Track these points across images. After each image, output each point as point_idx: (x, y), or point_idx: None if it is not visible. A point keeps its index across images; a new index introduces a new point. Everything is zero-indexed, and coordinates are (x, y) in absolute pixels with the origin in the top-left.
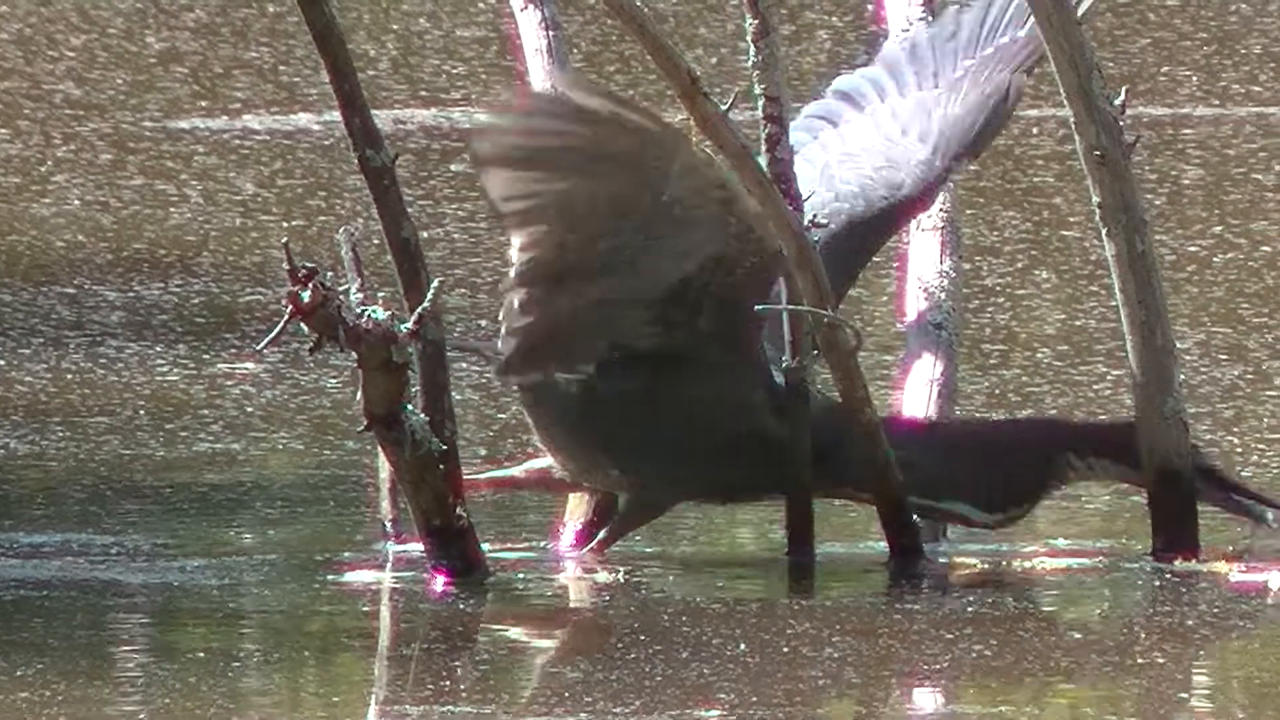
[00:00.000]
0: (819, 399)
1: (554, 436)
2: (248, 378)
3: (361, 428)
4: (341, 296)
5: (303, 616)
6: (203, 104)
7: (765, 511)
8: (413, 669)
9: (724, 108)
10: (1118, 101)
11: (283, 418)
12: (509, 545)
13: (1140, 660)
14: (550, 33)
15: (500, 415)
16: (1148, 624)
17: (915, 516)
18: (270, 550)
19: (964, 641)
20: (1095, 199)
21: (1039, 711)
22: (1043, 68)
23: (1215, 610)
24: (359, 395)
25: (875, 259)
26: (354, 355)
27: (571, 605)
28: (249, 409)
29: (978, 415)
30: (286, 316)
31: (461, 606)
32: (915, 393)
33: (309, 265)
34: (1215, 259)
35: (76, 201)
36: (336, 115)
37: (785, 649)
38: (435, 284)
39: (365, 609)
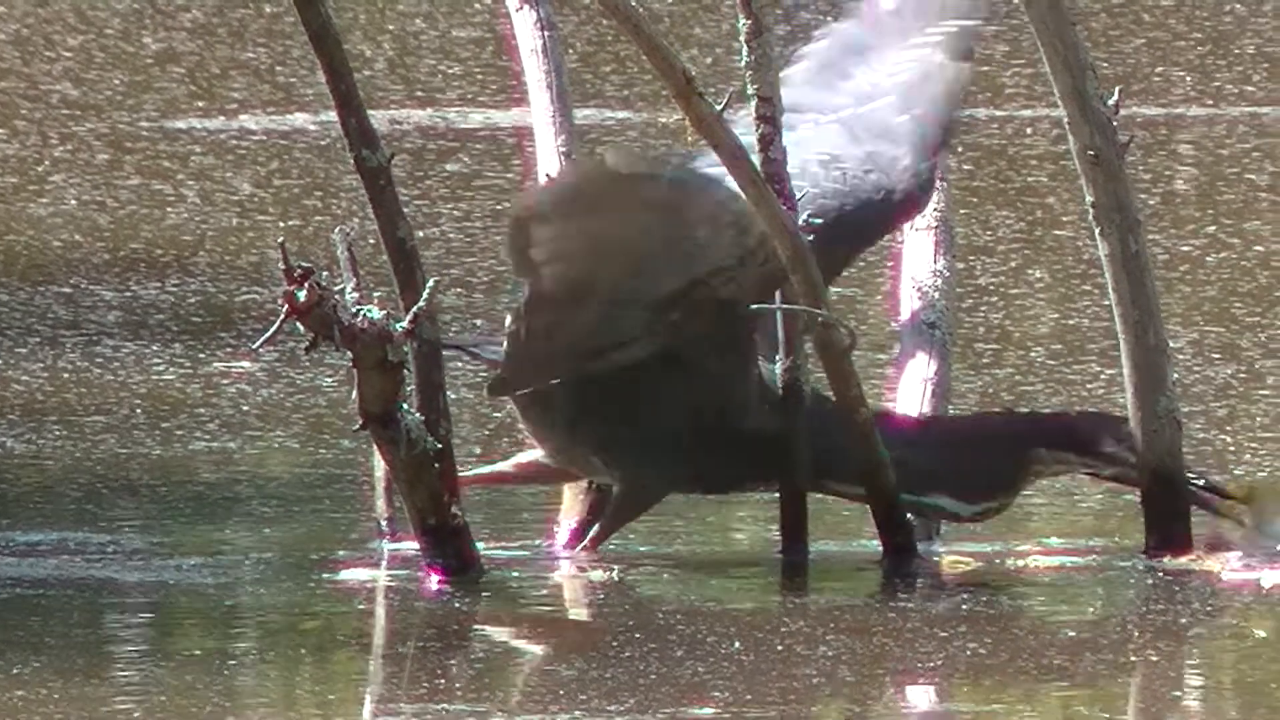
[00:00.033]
0: (813, 396)
1: (542, 427)
2: (244, 376)
3: (357, 426)
4: (337, 296)
5: (298, 615)
6: (199, 104)
7: (759, 510)
8: (408, 667)
9: (719, 107)
10: (1111, 101)
11: (279, 416)
12: (504, 544)
13: (1133, 658)
14: (545, 33)
15: (495, 414)
16: (1141, 622)
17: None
18: (266, 548)
19: (958, 640)
20: (1089, 198)
21: (1032, 710)
22: (1038, 68)
23: (1208, 609)
24: (354, 394)
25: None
26: (349, 354)
27: (566, 604)
28: (245, 408)
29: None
30: (282, 316)
31: (456, 605)
32: (909, 392)
33: (305, 265)
34: (1208, 258)
35: (73, 201)
36: (333, 115)
37: (779, 647)
38: (431, 283)
39: (360, 607)
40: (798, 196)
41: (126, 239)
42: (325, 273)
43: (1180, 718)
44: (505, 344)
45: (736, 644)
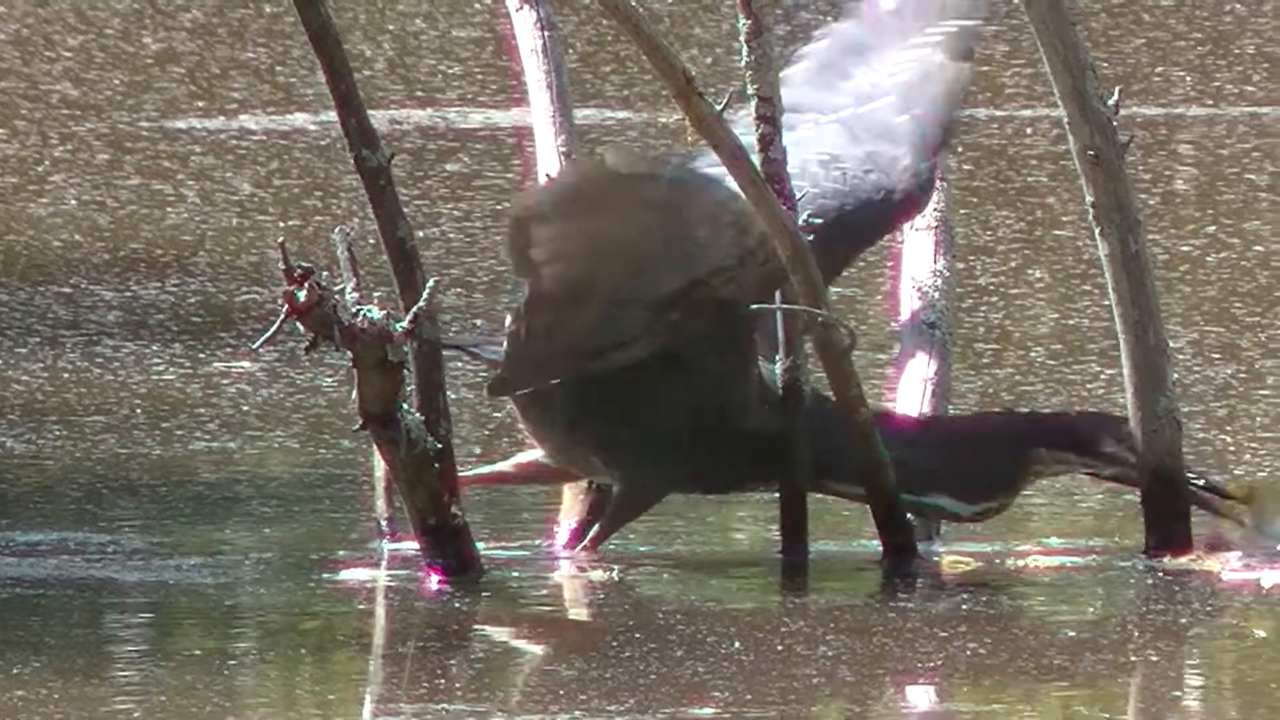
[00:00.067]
0: (813, 396)
1: (542, 427)
2: (244, 376)
3: (357, 426)
4: (337, 296)
5: (298, 615)
6: (199, 104)
7: (759, 510)
8: (408, 667)
9: (719, 108)
10: (1111, 101)
11: (278, 416)
12: (504, 544)
13: (1133, 658)
14: (545, 33)
15: (495, 414)
16: (1141, 622)
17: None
18: (266, 548)
19: (958, 640)
20: (1089, 199)
21: (1032, 710)
22: (1038, 68)
23: (1208, 609)
24: (354, 394)
25: (871, 258)
26: (349, 354)
27: (566, 604)
28: (245, 408)
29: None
30: (282, 316)
31: (456, 605)
32: (909, 392)
33: (305, 265)
34: (1208, 258)
35: (73, 201)
36: (333, 115)
37: (779, 647)
38: (431, 283)
39: (360, 607)
40: (798, 196)
41: (126, 239)
42: (325, 273)
43: (1180, 718)
44: (505, 344)
45: (736, 644)
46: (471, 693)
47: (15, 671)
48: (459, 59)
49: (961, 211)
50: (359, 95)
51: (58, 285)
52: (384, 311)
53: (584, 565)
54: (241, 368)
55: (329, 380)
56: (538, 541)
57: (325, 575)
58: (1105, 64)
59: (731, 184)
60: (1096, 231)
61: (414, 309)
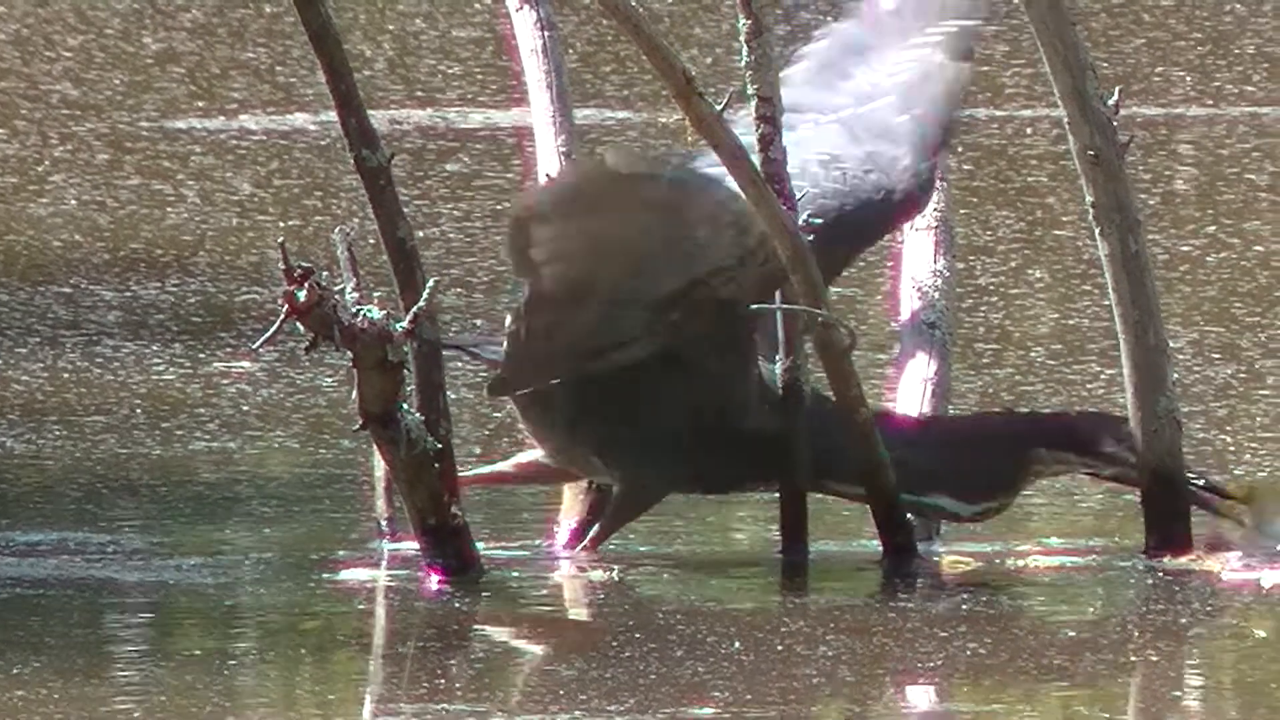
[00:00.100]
0: (813, 396)
1: (542, 427)
2: (244, 376)
3: (357, 426)
4: (337, 296)
5: (298, 615)
6: (199, 104)
7: (759, 510)
8: (408, 667)
9: (719, 108)
10: (1111, 101)
11: (278, 416)
12: (504, 544)
13: (1133, 658)
14: (545, 33)
15: (495, 414)
16: (1141, 622)
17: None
18: (266, 548)
19: (958, 640)
20: (1089, 199)
21: (1032, 710)
22: (1038, 68)
23: (1208, 609)
24: (354, 394)
25: (871, 258)
26: (349, 354)
27: (566, 604)
28: (245, 408)
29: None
30: (282, 315)
31: (456, 605)
32: (909, 392)
33: (305, 265)
34: (1208, 258)
35: (73, 201)
36: (333, 115)
37: (779, 647)
38: (431, 283)
39: (360, 607)
40: (798, 196)
41: (126, 239)
42: (325, 273)
43: (1180, 718)
44: (505, 344)
45: (736, 644)
46: (471, 693)
47: (15, 671)
48: (459, 59)
49: (961, 211)
50: (359, 95)
51: (58, 285)
52: (384, 311)
53: (584, 565)
54: (241, 368)
55: (329, 380)
56: (538, 541)
57: (325, 575)
58: (1105, 64)
59: (731, 184)
60: (1096, 231)
61: (414, 309)
